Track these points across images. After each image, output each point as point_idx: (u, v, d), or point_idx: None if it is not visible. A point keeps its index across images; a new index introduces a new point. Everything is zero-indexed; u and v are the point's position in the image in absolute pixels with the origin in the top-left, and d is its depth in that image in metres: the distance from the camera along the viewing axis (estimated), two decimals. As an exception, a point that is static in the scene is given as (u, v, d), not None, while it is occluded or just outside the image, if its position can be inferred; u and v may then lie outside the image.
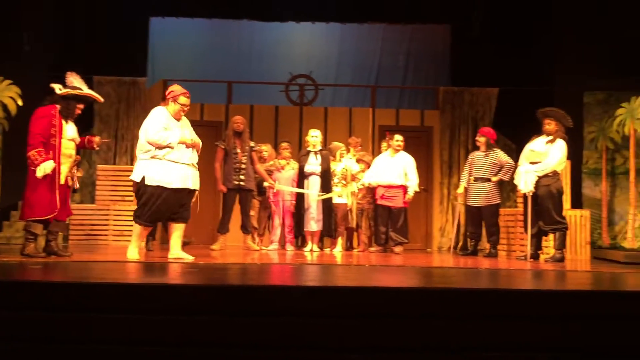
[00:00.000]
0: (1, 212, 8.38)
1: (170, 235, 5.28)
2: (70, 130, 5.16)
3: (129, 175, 8.57)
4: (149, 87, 9.51)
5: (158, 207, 5.01)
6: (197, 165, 5.27)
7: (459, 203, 7.70)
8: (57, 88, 5.15)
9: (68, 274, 3.77)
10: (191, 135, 5.25)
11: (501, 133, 9.40)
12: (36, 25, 8.61)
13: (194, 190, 5.22)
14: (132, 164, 9.01)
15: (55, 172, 4.97)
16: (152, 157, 5.02)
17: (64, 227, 5.40)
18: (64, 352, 2.71)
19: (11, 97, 6.85)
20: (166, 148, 5.00)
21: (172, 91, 5.24)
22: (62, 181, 5.06)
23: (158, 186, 4.98)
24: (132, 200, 8.30)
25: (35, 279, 3.35)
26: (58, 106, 5.10)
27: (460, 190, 7.30)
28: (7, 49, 8.04)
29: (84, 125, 9.16)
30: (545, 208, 6.15)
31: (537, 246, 6.37)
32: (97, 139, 5.44)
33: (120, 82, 9.30)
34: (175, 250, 5.20)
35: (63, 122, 5.11)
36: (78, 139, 5.26)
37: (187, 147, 5.12)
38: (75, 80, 5.26)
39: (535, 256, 6.30)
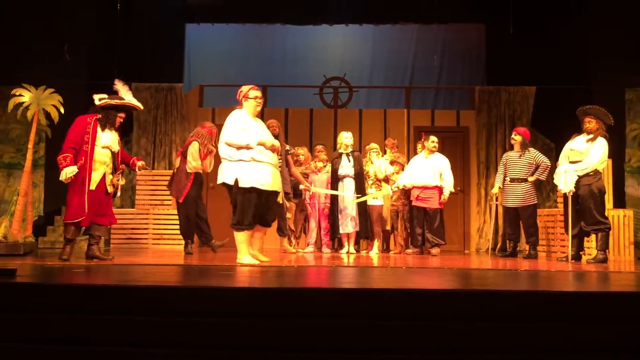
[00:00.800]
0: (45, 217, 8.63)
1: (253, 237, 5.29)
2: (105, 138, 5.28)
3: (168, 180, 8.77)
4: (185, 92, 9.66)
5: (255, 209, 5.02)
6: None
7: (495, 204, 7.60)
8: (97, 99, 5.33)
9: (110, 277, 3.85)
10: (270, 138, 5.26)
11: (539, 132, 9.26)
12: (76, 35, 8.84)
13: (278, 192, 5.25)
14: (170, 168, 9.17)
15: (85, 177, 5.13)
16: (239, 160, 5.02)
17: (105, 231, 5.52)
18: (103, 355, 2.77)
19: (53, 105, 7.04)
20: (249, 149, 5.00)
21: (240, 91, 5.31)
22: (93, 187, 5.18)
23: (253, 187, 4.99)
24: (170, 204, 8.46)
25: (70, 282, 3.43)
26: (97, 115, 5.28)
27: (495, 190, 7.21)
28: (49, 58, 8.28)
29: (124, 131, 9.39)
30: (586, 208, 6.02)
31: (579, 247, 6.24)
32: (140, 163, 5.62)
33: (157, 88, 9.47)
34: (257, 252, 5.28)
35: (99, 129, 5.25)
36: (116, 147, 5.35)
37: (267, 149, 5.10)
38: (121, 89, 5.42)
39: (577, 257, 6.17)
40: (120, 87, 5.43)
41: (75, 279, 3.66)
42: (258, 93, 5.28)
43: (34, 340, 2.82)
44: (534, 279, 4.14)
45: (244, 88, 5.31)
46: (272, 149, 5.14)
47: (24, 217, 6.80)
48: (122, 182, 5.43)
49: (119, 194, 5.47)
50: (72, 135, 5.18)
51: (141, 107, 5.61)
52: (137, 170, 5.68)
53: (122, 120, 5.49)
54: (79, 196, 5.13)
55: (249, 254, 5.15)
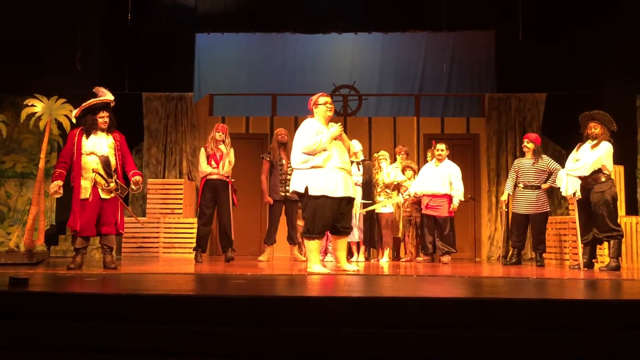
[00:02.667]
0: (57, 226, 8.68)
1: (335, 249, 5.30)
2: (88, 144, 5.34)
3: (179, 189, 8.79)
4: (195, 101, 9.71)
5: (326, 217, 5.01)
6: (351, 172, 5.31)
7: (504, 210, 7.58)
8: (73, 114, 5.55)
9: (120, 286, 3.87)
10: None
11: (550, 139, 9.21)
12: (87, 46, 8.92)
13: (353, 199, 5.23)
14: (180, 177, 9.21)
15: (77, 188, 5.24)
16: (312, 167, 5.01)
17: (113, 240, 5.49)
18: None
19: (65, 115, 7.10)
20: (323, 154, 5.00)
21: (310, 100, 5.34)
22: (86, 195, 5.23)
23: (322, 196, 4.97)
24: (181, 213, 8.49)
25: (81, 291, 3.45)
26: (81, 127, 5.44)
27: (504, 197, 7.16)
28: (61, 69, 8.36)
29: (136, 139, 9.48)
30: (599, 215, 5.97)
31: (591, 255, 6.18)
32: (135, 179, 5.48)
33: (168, 97, 9.54)
34: (343, 263, 5.25)
35: (84, 138, 5.35)
36: (103, 151, 5.35)
37: (337, 139, 5.11)
38: (98, 91, 5.49)
39: (589, 265, 6.12)
40: (98, 90, 5.50)
41: (86, 287, 3.67)
42: (327, 99, 5.30)
43: (47, 349, 2.84)
44: (545, 287, 4.11)
45: (314, 97, 5.33)
46: (341, 137, 5.18)
47: (36, 226, 6.85)
48: (113, 185, 5.31)
49: (122, 195, 5.40)
50: (63, 151, 5.43)
51: (111, 97, 5.51)
52: (132, 186, 5.50)
53: (105, 119, 5.41)
54: (75, 206, 5.26)
55: (320, 262, 5.18)
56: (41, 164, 6.95)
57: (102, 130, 5.41)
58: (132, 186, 5.49)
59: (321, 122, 5.22)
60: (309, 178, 5.01)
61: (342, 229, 5.16)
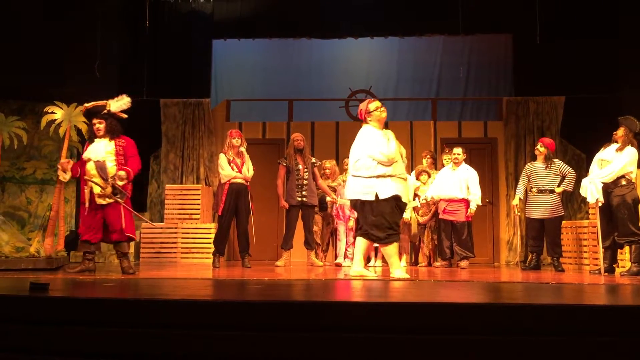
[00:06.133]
0: (76, 231, 8.77)
1: (389, 255, 5.23)
2: (88, 151, 5.47)
3: (197, 194, 8.83)
4: (213, 107, 9.77)
5: (394, 221, 5.04)
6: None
7: (516, 215, 7.53)
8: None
9: (138, 291, 3.89)
10: None
11: (569, 142, 9.12)
12: (106, 53, 9.02)
13: (405, 204, 5.28)
14: (198, 182, 9.26)
15: (81, 194, 5.46)
16: (379, 176, 5.00)
17: (123, 247, 5.50)
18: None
19: (85, 122, 7.19)
20: (391, 164, 5.01)
21: (360, 110, 5.30)
22: (84, 201, 5.39)
23: (393, 200, 5.00)
24: (198, 219, 8.53)
25: (101, 297, 3.47)
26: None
27: (515, 202, 7.09)
28: (80, 76, 8.46)
29: (154, 145, 9.56)
30: (619, 219, 5.90)
31: (612, 259, 6.11)
32: (120, 173, 5.39)
33: (185, 103, 9.61)
34: (395, 269, 5.22)
35: (88, 145, 5.54)
36: (98, 156, 5.41)
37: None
38: (114, 99, 5.61)
39: (610, 270, 6.04)
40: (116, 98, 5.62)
41: (105, 293, 3.70)
42: (377, 103, 5.28)
43: (67, 354, 2.86)
44: (565, 292, 4.06)
45: (362, 105, 5.30)
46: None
47: (56, 231, 6.92)
48: (108, 190, 5.30)
49: (121, 200, 5.33)
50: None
51: (103, 102, 5.55)
52: (117, 180, 5.38)
53: (97, 126, 5.46)
54: (80, 212, 5.52)
55: (401, 267, 5.24)
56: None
57: (101, 136, 5.47)
58: (117, 180, 5.38)
59: (377, 127, 5.20)
60: (377, 185, 4.99)
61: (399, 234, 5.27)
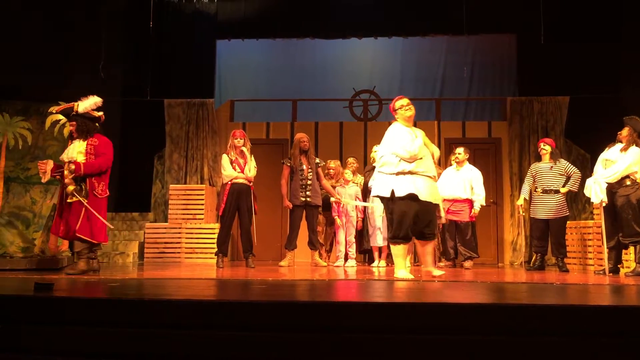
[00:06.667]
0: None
1: (423, 255, 5.24)
2: (64, 153, 5.55)
3: (201, 194, 8.85)
4: (216, 107, 9.78)
5: (411, 221, 4.99)
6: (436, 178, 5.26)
7: (521, 215, 7.52)
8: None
9: (143, 291, 3.90)
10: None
11: (574, 142, 9.10)
12: (110, 53, 9.04)
13: (437, 205, 5.20)
14: (202, 183, 9.27)
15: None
16: (399, 173, 5.00)
17: (76, 245, 5.51)
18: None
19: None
20: (413, 161, 4.99)
21: (390, 107, 5.39)
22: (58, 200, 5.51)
23: (408, 200, 4.96)
24: (202, 219, 8.55)
25: (105, 297, 3.48)
26: None
27: (520, 202, 7.09)
28: (84, 77, 8.48)
29: (158, 145, 9.58)
30: (624, 219, 5.89)
31: (616, 260, 6.10)
32: (71, 166, 5.44)
33: (189, 104, 9.62)
34: (431, 268, 5.22)
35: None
36: (69, 157, 5.47)
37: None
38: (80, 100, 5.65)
39: (614, 270, 6.03)
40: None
41: (110, 293, 3.71)
42: (403, 101, 5.31)
43: (71, 354, 2.87)
44: (570, 292, 4.05)
45: (391, 104, 5.37)
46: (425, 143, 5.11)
47: (60, 232, 6.93)
48: (71, 187, 5.34)
49: (75, 198, 5.37)
50: None
51: (72, 105, 5.61)
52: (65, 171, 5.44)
53: (72, 127, 5.58)
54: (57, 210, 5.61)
55: (405, 268, 5.16)
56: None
57: (76, 137, 5.56)
58: (65, 171, 5.43)
59: (405, 124, 5.21)
60: (395, 182, 4.99)
61: (428, 234, 5.11)
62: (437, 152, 5.34)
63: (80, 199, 5.37)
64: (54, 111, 5.73)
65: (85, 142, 5.52)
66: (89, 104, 5.58)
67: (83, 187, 5.41)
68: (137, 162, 9.69)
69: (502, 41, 10.40)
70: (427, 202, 4.99)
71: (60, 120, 7.17)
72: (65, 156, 5.52)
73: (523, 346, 2.75)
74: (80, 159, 5.43)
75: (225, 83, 10.70)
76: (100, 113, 5.70)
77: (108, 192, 5.60)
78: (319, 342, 2.80)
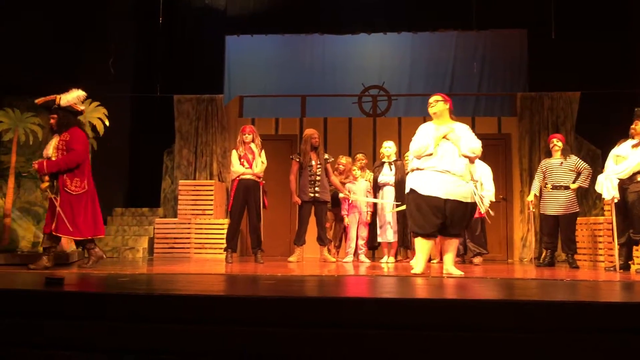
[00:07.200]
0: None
1: (443, 252, 5.27)
2: (47, 146, 5.48)
3: (210, 190, 8.89)
4: (226, 103, 9.79)
5: (420, 215, 5.02)
6: (466, 176, 5.05)
7: (531, 211, 7.50)
8: None
9: (152, 285, 3.92)
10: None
11: (585, 138, 9.04)
12: (120, 49, 9.08)
13: (466, 203, 5.04)
14: (211, 178, 9.30)
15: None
16: (412, 170, 5.17)
17: (48, 240, 5.47)
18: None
19: (99, 118, 7.23)
20: (426, 157, 5.04)
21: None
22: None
23: (415, 195, 5.05)
24: (211, 214, 8.57)
25: (116, 292, 3.50)
26: None
27: (530, 198, 7.08)
28: (94, 72, 8.52)
29: (167, 141, 9.61)
30: (635, 215, 5.84)
31: (627, 256, 6.05)
32: (35, 166, 5.45)
33: (199, 99, 9.64)
34: (448, 266, 5.20)
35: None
36: (48, 153, 5.43)
37: (443, 137, 5.07)
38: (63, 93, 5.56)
39: (625, 267, 5.99)
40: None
41: (120, 288, 3.73)
42: (430, 99, 5.37)
43: (81, 348, 2.89)
44: (580, 289, 4.03)
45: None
46: (451, 139, 5.09)
47: (70, 227, 6.96)
48: (45, 184, 5.33)
49: (50, 195, 5.36)
50: None
51: (54, 97, 5.50)
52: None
53: (52, 120, 5.51)
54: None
55: (422, 263, 5.13)
56: (75, 166, 7.06)
57: (56, 132, 5.50)
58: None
59: (434, 122, 5.27)
60: (417, 179, 5.09)
61: (451, 231, 5.12)
62: (468, 147, 5.12)
63: (52, 196, 5.35)
64: (38, 101, 5.56)
65: (59, 137, 5.45)
66: (71, 97, 5.48)
67: (55, 184, 5.37)
68: (147, 157, 9.73)
69: (513, 36, 10.34)
70: (443, 199, 4.94)
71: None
72: (44, 152, 5.49)
73: (533, 343, 2.74)
74: (54, 154, 5.38)
75: (235, 79, 10.71)
76: (83, 107, 5.67)
77: (86, 187, 5.44)
78: (328, 338, 2.80)
